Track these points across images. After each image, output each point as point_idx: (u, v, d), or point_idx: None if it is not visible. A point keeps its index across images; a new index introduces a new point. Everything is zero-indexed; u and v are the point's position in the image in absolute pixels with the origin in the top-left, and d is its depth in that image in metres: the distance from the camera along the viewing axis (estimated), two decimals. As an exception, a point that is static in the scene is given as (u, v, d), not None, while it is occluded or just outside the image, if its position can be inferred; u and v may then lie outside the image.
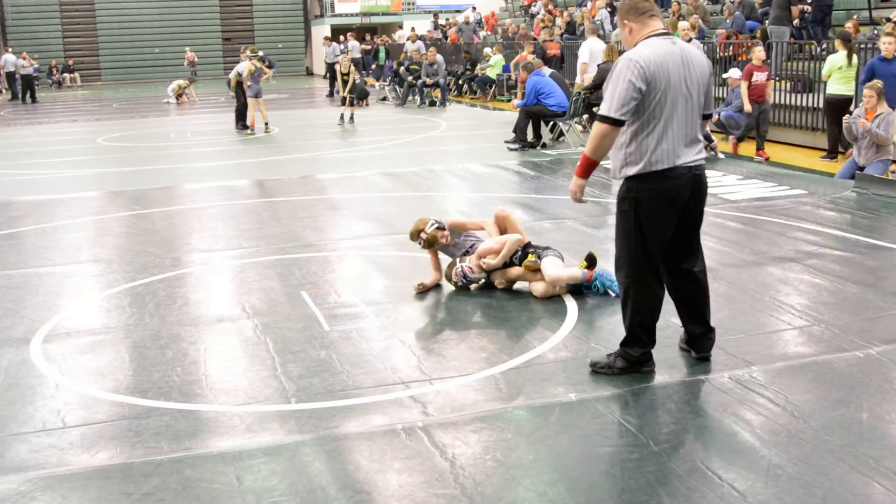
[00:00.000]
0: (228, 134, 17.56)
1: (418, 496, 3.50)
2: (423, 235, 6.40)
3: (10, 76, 30.54)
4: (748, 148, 12.48)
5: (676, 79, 4.32)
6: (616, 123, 4.31)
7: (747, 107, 12.22)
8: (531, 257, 6.16)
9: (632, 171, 4.41)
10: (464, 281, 6.23)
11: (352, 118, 18.90)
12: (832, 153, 11.93)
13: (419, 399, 4.45)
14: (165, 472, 3.77)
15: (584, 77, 14.94)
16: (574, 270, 6.08)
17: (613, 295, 5.95)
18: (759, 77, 12.22)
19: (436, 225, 6.42)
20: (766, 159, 11.87)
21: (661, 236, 4.49)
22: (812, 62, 13.68)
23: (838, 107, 11.59)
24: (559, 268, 6.06)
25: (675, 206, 4.45)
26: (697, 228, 4.66)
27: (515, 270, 6.20)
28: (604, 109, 4.33)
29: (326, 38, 30.45)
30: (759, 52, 12.24)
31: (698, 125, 4.48)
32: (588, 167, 4.49)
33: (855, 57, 11.69)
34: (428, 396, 4.48)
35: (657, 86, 4.27)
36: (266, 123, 17.49)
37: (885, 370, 4.64)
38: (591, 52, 15.25)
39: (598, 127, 4.36)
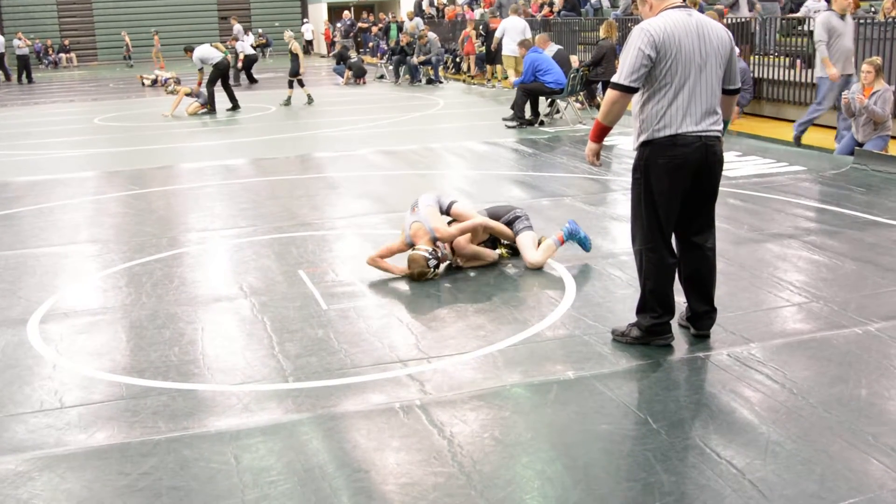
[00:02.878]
0: (225, 113, 17.48)
1: (416, 474, 3.50)
2: (431, 277, 6.03)
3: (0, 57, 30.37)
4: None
5: (688, 48, 4.34)
6: (626, 90, 4.40)
7: None
8: (503, 252, 6.45)
9: (642, 138, 4.49)
10: (435, 262, 6.00)
11: (309, 99, 18.58)
12: None
13: (417, 377, 4.44)
14: (163, 452, 3.76)
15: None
16: (549, 247, 6.25)
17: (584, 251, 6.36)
18: None
19: (435, 262, 5.99)
20: None
21: (670, 203, 4.50)
22: (811, 38, 13.59)
23: None
24: (533, 250, 6.24)
25: (683, 174, 4.45)
26: (711, 202, 4.66)
27: (472, 248, 6.25)
28: (615, 76, 4.43)
29: (234, 18, 30.21)
30: None
31: (715, 97, 4.48)
32: (599, 132, 4.63)
33: None
34: (426, 375, 4.47)
35: (667, 54, 4.32)
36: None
37: (884, 347, 4.63)
38: (505, 28, 18.00)
39: (609, 93, 4.47)
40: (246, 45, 25.13)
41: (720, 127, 4.53)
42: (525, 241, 6.27)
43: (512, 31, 17.97)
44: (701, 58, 4.38)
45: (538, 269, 6.15)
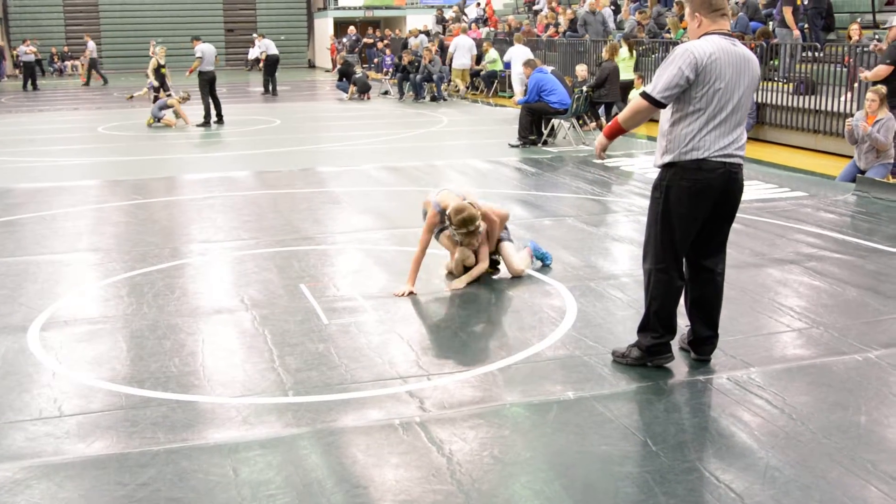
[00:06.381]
0: (230, 125, 17.53)
1: (414, 491, 3.50)
2: (476, 225, 6.15)
3: None
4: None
5: (730, 78, 4.36)
6: (655, 103, 4.42)
7: None
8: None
9: (667, 158, 4.49)
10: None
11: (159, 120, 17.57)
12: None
13: (416, 394, 4.44)
14: (161, 463, 3.76)
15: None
16: (528, 261, 6.63)
17: (542, 264, 6.74)
18: None
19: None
20: None
21: (687, 227, 4.52)
22: (815, 64, 13.66)
23: (624, 87, 15.31)
24: (518, 259, 6.55)
25: (705, 199, 4.47)
26: (727, 228, 4.68)
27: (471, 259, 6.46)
28: (648, 87, 4.46)
29: (89, 35, 30.32)
30: None
31: (742, 125, 4.52)
32: (614, 130, 4.67)
33: (634, 51, 16.19)
34: (425, 392, 4.47)
35: (707, 79, 4.33)
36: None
37: (884, 374, 4.64)
38: (457, 45, 22.40)
39: (636, 101, 4.50)
40: (269, 45, 25.16)
41: (743, 153, 4.55)
42: (510, 250, 6.49)
43: (462, 47, 22.29)
44: (738, 89, 4.40)
45: (539, 290, 6.15)
